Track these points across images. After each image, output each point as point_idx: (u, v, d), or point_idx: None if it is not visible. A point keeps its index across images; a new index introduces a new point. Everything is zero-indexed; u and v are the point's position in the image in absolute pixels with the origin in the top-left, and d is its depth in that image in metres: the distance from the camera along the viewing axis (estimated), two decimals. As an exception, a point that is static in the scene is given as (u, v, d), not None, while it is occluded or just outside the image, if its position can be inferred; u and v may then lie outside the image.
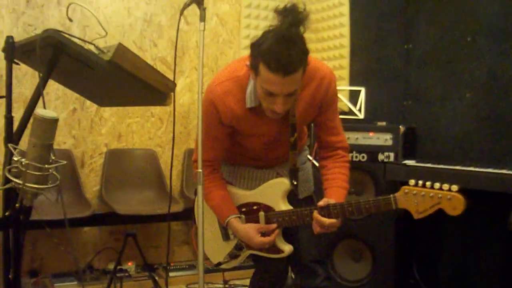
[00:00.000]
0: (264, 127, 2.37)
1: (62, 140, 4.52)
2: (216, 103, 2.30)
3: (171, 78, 2.35)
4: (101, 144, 4.69)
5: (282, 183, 2.47)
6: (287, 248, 2.46)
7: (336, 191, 2.40)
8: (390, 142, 3.86)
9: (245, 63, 2.22)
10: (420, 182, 2.05)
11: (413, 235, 3.84)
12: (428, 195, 2.01)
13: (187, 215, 4.64)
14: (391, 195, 2.12)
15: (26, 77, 4.26)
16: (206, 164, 2.36)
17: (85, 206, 4.25)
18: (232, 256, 2.61)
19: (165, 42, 4.85)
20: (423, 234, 3.81)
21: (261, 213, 2.47)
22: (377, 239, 3.84)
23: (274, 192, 2.47)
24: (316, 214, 2.30)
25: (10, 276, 1.87)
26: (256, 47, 2.10)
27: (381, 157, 3.88)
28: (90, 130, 4.64)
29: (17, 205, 1.88)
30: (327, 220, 2.27)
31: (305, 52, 2.08)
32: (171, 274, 4.44)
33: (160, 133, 4.88)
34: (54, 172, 1.89)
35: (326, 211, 2.28)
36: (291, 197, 2.50)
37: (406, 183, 3.56)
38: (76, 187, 4.46)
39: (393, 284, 3.78)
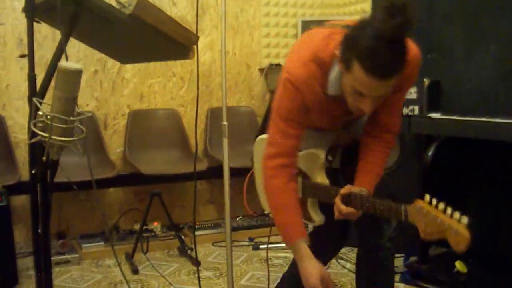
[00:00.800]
0: (339, 111, 2.23)
1: (84, 102, 4.53)
2: (302, 87, 2.09)
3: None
4: (124, 105, 4.69)
5: (317, 156, 2.39)
6: (318, 219, 2.43)
7: (369, 179, 2.30)
8: (414, 96, 3.80)
9: (331, 46, 2.03)
10: (434, 201, 1.86)
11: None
12: (437, 221, 1.82)
13: (211, 174, 4.70)
14: (403, 207, 1.96)
15: (46, 40, 4.25)
16: (284, 160, 2.20)
17: (110, 167, 4.27)
18: None
19: (185, 1, 4.80)
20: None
21: (299, 179, 2.44)
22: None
23: (311, 161, 2.42)
24: (337, 199, 2.24)
25: (39, 231, 1.86)
26: (351, 40, 1.88)
27: (405, 110, 3.83)
28: (112, 91, 4.64)
29: (43, 158, 1.88)
30: (344, 209, 2.20)
31: (406, 57, 1.88)
32: (197, 233, 4.46)
33: (182, 93, 4.86)
34: (79, 125, 1.87)
35: (347, 199, 2.22)
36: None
37: (431, 137, 3.57)
38: (100, 149, 4.47)
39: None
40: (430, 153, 3.46)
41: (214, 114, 4.91)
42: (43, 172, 1.91)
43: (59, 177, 3.82)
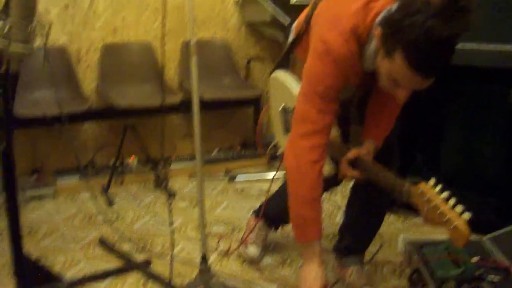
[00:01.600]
0: (372, 85, 2.19)
1: (56, 37, 4.43)
2: (345, 65, 1.98)
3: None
4: (96, 40, 4.60)
5: None
6: (326, 168, 2.32)
7: (378, 133, 2.29)
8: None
9: (370, 18, 1.90)
10: (439, 187, 1.80)
11: (417, 118, 3.79)
12: (437, 211, 1.77)
13: (187, 107, 4.66)
14: (406, 187, 1.91)
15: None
16: (320, 139, 2.07)
17: (83, 101, 4.22)
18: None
19: None
20: (425, 117, 3.75)
21: None
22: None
23: None
24: (343, 161, 2.23)
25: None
26: (397, 27, 1.72)
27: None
28: (84, 25, 4.54)
29: (2, 68, 1.83)
30: (350, 172, 2.22)
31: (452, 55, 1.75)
32: (173, 166, 4.47)
33: (156, 26, 4.77)
34: (38, 34, 1.83)
35: (353, 162, 2.21)
36: None
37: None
38: (72, 84, 4.41)
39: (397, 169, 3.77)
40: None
41: (187, 47, 4.84)
42: (3, 85, 1.86)
43: (33, 112, 3.82)
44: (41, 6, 4.21)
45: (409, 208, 3.42)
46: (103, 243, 3.13)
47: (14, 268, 2.42)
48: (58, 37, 4.44)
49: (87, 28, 4.54)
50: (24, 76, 4.11)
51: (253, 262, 2.86)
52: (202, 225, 2.51)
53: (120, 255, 2.98)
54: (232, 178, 4.32)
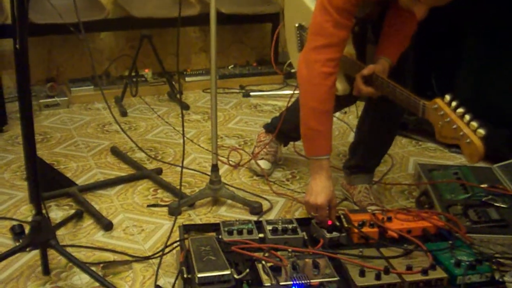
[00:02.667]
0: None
1: None
2: None
3: None
4: None
5: None
6: (341, 88, 2.33)
7: (393, 50, 2.26)
8: None
9: None
10: (454, 103, 1.76)
11: (432, 47, 3.70)
12: (452, 125, 1.75)
13: (204, 20, 4.60)
14: (421, 103, 1.88)
15: None
16: (334, 53, 2.05)
17: (100, 10, 4.17)
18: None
19: None
20: (442, 46, 3.67)
21: None
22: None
23: None
24: (358, 78, 2.20)
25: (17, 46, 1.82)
26: None
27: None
28: None
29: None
30: (365, 88, 2.18)
31: None
32: (187, 79, 4.45)
33: None
34: None
35: (369, 78, 2.17)
36: None
37: None
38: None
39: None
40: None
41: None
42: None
43: (49, 18, 3.78)
44: None
45: (421, 132, 3.43)
46: (115, 151, 3.16)
47: (27, 171, 2.47)
48: None
49: None
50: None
51: (263, 176, 2.88)
52: (215, 134, 2.52)
53: (132, 163, 3.01)
54: (246, 94, 4.30)
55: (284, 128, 2.84)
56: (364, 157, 2.63)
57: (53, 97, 3.93)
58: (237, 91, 4.41)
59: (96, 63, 4.45)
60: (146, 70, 4.44)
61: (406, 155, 3.21)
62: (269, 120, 3.04)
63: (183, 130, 2.37)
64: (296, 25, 2.54)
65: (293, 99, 2.76)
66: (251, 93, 4.30)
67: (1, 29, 3.71)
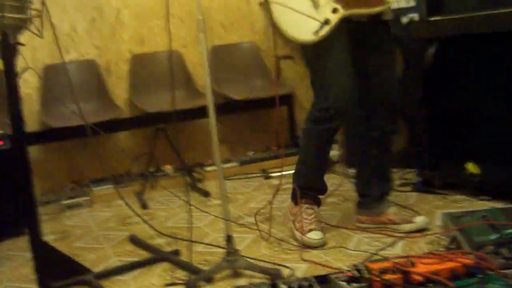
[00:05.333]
0: None
1: (85, 50, 4.51)
2: None
3: None
4: (125, 51, 4.65)
5: None
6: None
7: None
8: (412, 3, 3.69)
9: None
10: None
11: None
12: None
13: (220, 109, 4.65)
14: None
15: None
16: None
17: (115, 110, 4.25)
18: (325, 22, 2.50)
19: None
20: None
21: None
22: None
23: None
24: None
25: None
26: None
27: (404, 19, 3.72)
28: (112, 37, 4.60)
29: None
30: None
31: None
32: (207, 168, 4.45)
33: (183, 33, 4.79)
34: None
35: None
36: None
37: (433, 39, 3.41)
38: (104, 95, 4.46)
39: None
40: (430, 54, 3.31)
41: (216, 51, 4.85)
42: (9, 53, 1.84)
43: (66, 123, 3.85)
44: (68, 23, 4.31)
45: (448, 186, 3.32)
46: (134, 240, 3.09)
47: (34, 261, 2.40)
48: (87, 51, 4.49)
49: (115, 40, 4.59)
50: (56, 89, 4.20)
51: (320, 246, 2.73)
52: (225, 200, 2.45)
53: (150, 248, 2.93)
54: (267, 175, 4.25)
55: (303, 181, 2.87)
56: (381, 182, 2.86)
57: (74, 198, 3.94)
58: (258, 174, 4.36)
59: (117, 162, 4.49)
60: (168, 166, 4.45)
61: (433, 209, 3.08)
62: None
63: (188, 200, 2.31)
64: None
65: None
66: (272, 174, 4.25)
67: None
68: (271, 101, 4.77)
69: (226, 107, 4.61)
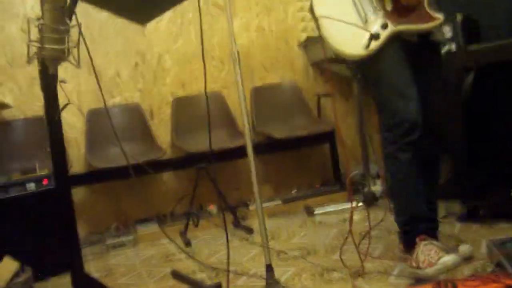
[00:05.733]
0: None
1: (129, 95, 4.62)
2: None
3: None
4: (167, 94, 4.75)
5: None
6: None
7: None
8: (449, 34, 3.68)
9: None
10: None
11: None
12: None
13: (261, 149, 4.70)
14: None
15: None
16: None
17: (158, 152, 4.33)
18: (374, 37, 2.47)
19: (216, -15, 4.86)
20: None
21: None
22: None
23: None
24: None
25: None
26: None
27: (442, 51, 3.72)
28: (154, 81, 4.72)
29: (39, 69, 1.91)
30: None
31: None
32: (251, 207, 4.45)
33: (224, 75, 4.88)
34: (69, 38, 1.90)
35: None
36: None
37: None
38: (148, 138, 4.55)
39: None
40: (468, 83, 3.29)
41: (258, 92, 4.91)
42: (49, 84, 1.92)
43: (112, 163, 3.94)
44: (112, 69, 4.45)
45: (494, 214, 3.25)
46: (176, 274, 3.10)
47: None
48: (131, 95, 4.61)
49: (157, 84, 4.71)
50: (101, 132, 4.31)
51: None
52: (264, 233, 2.45)
53: (191, 282, 2.94)
54: (310, 212, 4.23)
55: (408, 217, 2.66)
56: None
57: (119, 237, 3.99)
58: (302, 211, 4.35)
59: (161, 203, 4.54)
60: (211, 207, 4.48)
61: (479, 238, 3.00)
62: (335, 231, 2.94)
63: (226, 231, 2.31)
64: None
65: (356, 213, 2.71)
66: (315, 212, 4.22)
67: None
68: (313, 139, 4.84)
69: (268, 146, 4.65)
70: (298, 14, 5.13)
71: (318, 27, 2.56)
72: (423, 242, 2.57)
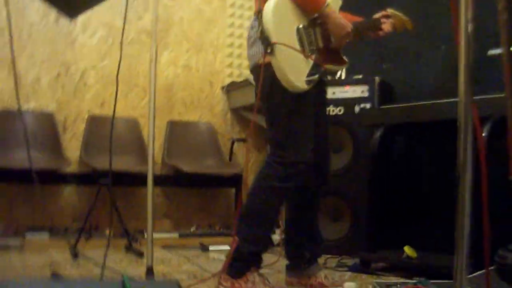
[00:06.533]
0: None
1: (45, 103, 4.56)
2: None
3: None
4: (84, 110, 4.71)
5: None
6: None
7: None
8: (366, 94, 3.89)
9: None
10: None
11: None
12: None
13: (168, 181, 4.71)
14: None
15: None
16: None
17: (64, 163, 4.26)
18: (313, 73, 2.54)
19: (150, 15, 4.92)
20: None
21: None
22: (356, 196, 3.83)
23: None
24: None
25: None
26: None
27: (357, 109, 3.90)
28: (73, 95, 4.68)
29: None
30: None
31: None
32: (146, 235, 4.37)
33: (143, 104, 4.90)
34: None
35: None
36: None
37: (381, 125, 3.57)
38: (56, 149, 4.47)
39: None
40: (375, 140, 3.46)
41: (174, 126, 4.95)
42: None
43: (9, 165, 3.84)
44: (34, 74, 4.40)
45: (385, 271, 3.37)
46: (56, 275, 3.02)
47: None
48: (47, 103, 4.55)
49: (76, 98, 4.68)
50: (7, 134, 4.21)
51: None
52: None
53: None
54: (205, 248, 4.22)
55: (253, 245, 2.66)
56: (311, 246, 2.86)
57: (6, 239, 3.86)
58: (197, 247, 4.34)
59: (58, 216, 4.45)
60: (107, 231, 4.39)
61: (366, 283, 3.09)
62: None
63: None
64: (297, 27, 2.55)
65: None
66: (210, 248, 4.22)
67: None
68: (220, 180, 4.90)
69: (175, 179, 4.67)
70: (226, 59, 5.26)
71: (270, 53, 2.44)
72: (256, 273, 2.71)
